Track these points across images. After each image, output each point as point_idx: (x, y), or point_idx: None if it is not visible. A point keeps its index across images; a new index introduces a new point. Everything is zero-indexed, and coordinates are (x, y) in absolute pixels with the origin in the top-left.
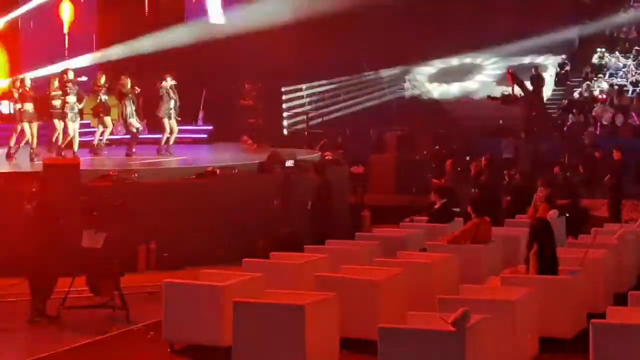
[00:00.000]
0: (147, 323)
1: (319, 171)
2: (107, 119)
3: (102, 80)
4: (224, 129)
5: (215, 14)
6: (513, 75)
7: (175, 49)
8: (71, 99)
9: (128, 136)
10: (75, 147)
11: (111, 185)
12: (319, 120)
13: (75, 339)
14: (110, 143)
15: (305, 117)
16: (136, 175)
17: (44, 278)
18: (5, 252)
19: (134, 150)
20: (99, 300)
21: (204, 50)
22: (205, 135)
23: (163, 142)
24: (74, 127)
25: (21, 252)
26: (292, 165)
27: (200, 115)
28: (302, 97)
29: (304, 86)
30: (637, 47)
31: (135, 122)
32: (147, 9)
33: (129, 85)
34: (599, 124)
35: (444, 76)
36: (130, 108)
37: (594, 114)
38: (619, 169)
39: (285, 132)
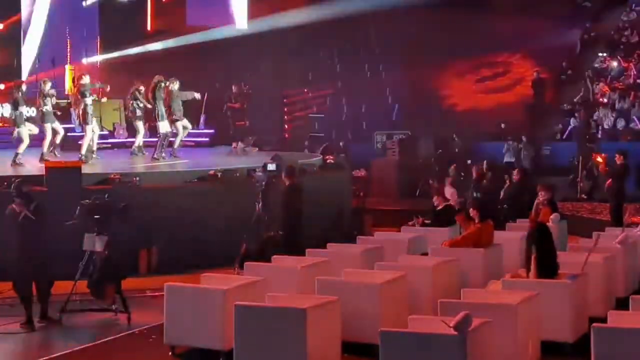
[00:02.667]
0: (149, 326)
1: (290, 175)
2: (139, 124)
3: (140, 86)
4: (226, 133)
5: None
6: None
7: (176, 52)
8: (88, 101)
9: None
10: (83, 150)
11: (112, 189)
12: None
13: (77, 343)
14: (112, 146)
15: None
16: (137, 178)
17: (43, 281)
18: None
19: (162, 154)
20: (100, 303)
21: (204, 53)
22: (207, 139)
23: (176, 144)
24: (93, 129)
25: (20, 255)
26: (274, 168)
27: (202, 118)
28: (304, 100)
29: (305, 89)
30: (638, 51)
31: (162, 126)
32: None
33: (162, 86)
34: (600, 128)
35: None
36: (160, 111)
37: (595, 118)
38: (621, 172)
39: (286, 135)
